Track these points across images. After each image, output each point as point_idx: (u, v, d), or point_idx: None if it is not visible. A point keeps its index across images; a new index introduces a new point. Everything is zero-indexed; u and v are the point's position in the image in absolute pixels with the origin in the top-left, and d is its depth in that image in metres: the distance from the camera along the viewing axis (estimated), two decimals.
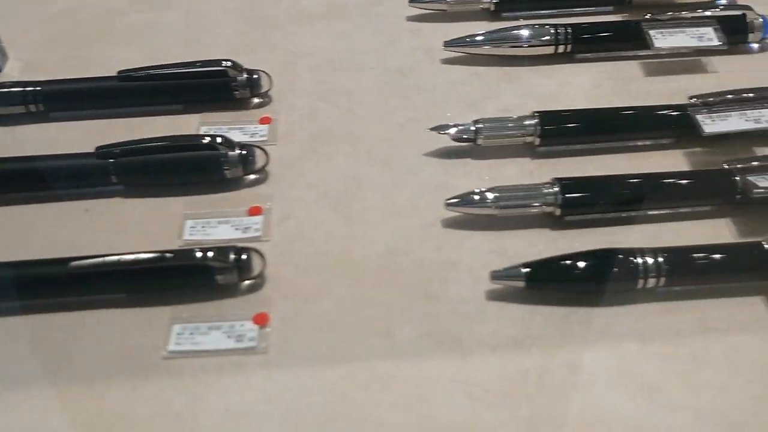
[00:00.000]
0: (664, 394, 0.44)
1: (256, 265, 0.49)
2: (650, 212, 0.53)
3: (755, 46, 0.66)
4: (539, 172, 0.56)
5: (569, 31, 0.64)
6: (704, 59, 0.65)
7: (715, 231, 0.52)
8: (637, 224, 0.53)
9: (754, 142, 0.57)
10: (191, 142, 0.55)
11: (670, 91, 0.62)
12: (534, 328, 0.47)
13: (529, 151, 0.58)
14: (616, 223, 0.53)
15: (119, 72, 0.62)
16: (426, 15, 0.71)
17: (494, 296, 0.49)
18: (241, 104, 0.63)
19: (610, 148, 0.58)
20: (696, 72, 0.64)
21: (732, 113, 0.56)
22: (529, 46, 0.64)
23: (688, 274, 0.48)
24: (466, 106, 0.62)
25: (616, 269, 0.47)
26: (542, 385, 0.45)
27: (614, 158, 0.57)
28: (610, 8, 0.71)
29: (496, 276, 0.48)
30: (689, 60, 0.65)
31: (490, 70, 0.65)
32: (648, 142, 0.58)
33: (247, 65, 0.63)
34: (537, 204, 0.52)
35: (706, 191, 0.52)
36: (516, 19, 0.69)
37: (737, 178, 0.52)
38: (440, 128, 0.57)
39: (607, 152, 0.58)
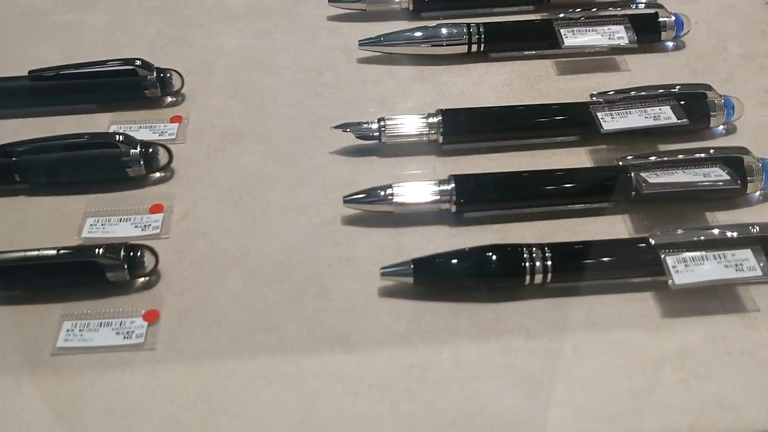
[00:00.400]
0: (545, 389, 0.44)
1: (149, 263, 0.49)
2: (547, 209, 0.53)
3: (670, 44, 0.67)
4: (444, 169, 0.56)
5: (482, 30, 0.64)
6: (618, 58, 0.66)
7: (612, 228, 0.53)
8: (535, 221, 0.53)
9: (658, 139, 0.58)
10: (92, 140, 0.55)
11: (581, 89, 0.62)
12: (423, 323, 0.48)
13: (434, 149, 0.58)
14: (514, 220, 0.53)
15: (30, 72, 0.61)
16: (347, 15, 0.71)
17: (386, 292, 0.49)
18: (154, 103, 0.63)
19: (516, 145, 0.58)
20: (608, 70, 0.65)
21: (632, 110, 0.56)
22: (442, 45, 0.64)
23: (574, 270, 0.48)
24: (377, 104, 0.62)
25: (503, 265, 0.48)
26: (425, 381, 0.45)
27: (519, 156, 0.58)
28: (531, 8, 0.71)
29: (385, 272, 0.48)
30: (603, 59, 0.66)
31: (405, 69, 0.65)
32: (553, 140, 0.58)
33: (164, 64, 0.63)
34: (433, 201, 0.52)
35: (601, 188, 0.53)
36: (436, 18, 0.69)
37: (631, 174, 0.52)
38: (344, 126, 0.57)
39: (512, 150, 0.58)
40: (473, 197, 0.52)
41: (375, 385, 0.45)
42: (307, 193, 0.56)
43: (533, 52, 0.66)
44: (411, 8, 0.70)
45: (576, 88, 0.63)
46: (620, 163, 0.53)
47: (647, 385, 0.44)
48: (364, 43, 0.65)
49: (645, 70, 0.65)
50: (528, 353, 0.46)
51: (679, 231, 0.48)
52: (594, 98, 0.57)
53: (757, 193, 0.54)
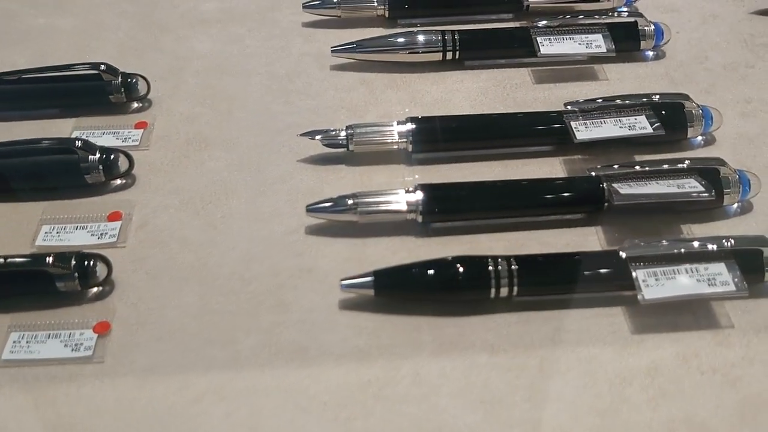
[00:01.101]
0: (507, 408, 0.42)
1: (101, 272, 0.48)
2: (517, 220, 0.52)
3: (650, 54, 0.65)
4: (414, 179, 0.54)
5: (457, 37, 0.63)
6: (596, 67, 0.64)
7: (583, 240, 0.51)
8: (504, 232, 0.51)
9: (635, 149, 0.56)
10: (50, 145, 0.54)
11: (557, 98, 0.61)
12: (383, 338, 0.46)
13: (405, 157, 0.57)
14: (483, 231, 0.51)
15: None
16: (321, 21, 0.70)
17: (347, 305, 0.47)
18: (119, 108, 0.61)
19: (489, 155, 0.57)
20: (586, 80, 0.63)
21: (607, 120, 0.55)
22: (416, 53, 0.63)
23: (541, 283, 0.46)
24: (348, 112, 0.61)
25: (467, 277, 0.46)
26: (382, 398, 0.43)
27: (491, 165, 0.56)
28: (510, 15, 0.69)
29: (345, 284, 0.46)
30: (581, 68, 0.64)
31: (378, 76, 0.64)
32: (526, 150, 0.57)
33: (133, 69, 0.62)
34: (399, 210, 0.50)
35: (572, 199, 0.51)
36: (413, 26, 0.68)
37: (603, 185, 0.50)
38: (311, 134, 0.56)
39: (485, 159, 0.57)
40: (440, 207, 0.50)
41: (329, 402, 0.43)
42: (271, 202, 0.54)
43: (510, 60, 0.64)
44: (387, 15, 0.69)
45: (552, 98, 0.61)
46: (592, 174, 0.51)
47: (613, 404, 0.42)
48: (336, 50, 0.64)
49: (623, 79, 0.63)
50: (491, 370, 0.44)
51: (651, 244, 0.46)
52: (568, 107, 0.56)
53: (735, 205, 0.52)
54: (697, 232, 0.51)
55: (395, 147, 0.56)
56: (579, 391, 0.43)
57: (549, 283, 0.46)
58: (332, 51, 0.64)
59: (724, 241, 0.46)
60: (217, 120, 0.60)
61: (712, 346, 0.45)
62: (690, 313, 0.46)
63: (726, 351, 0.45)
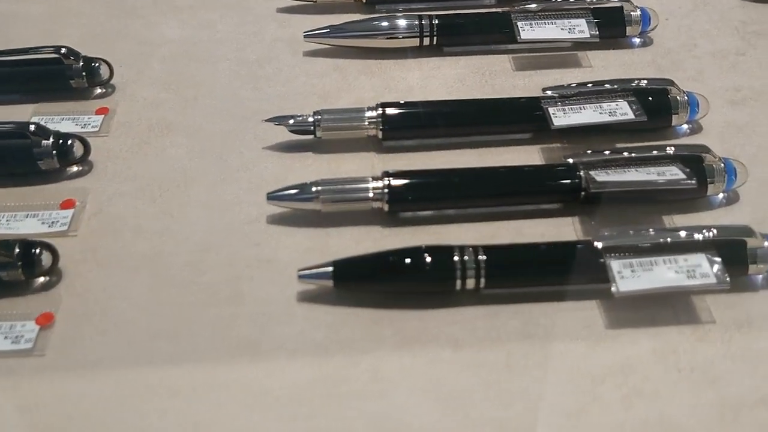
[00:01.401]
0: (470, 406, 0.40)
1: (46, 261, 0.45)
2: (489, 209, 0.49)
3: (637, 40, 0.62)
4: (384, 167, 0.51)
5: (435, 22, 0.60)
6: (580, 54, 0.61)
7: (559, 230, 0.48)
8: (476, 222, 0.49)
9: (617, 137, 0.53)
10: (1, 130, 0.51)
11: (537, 86, 0.58)
12: (342, 331, 0.43)
13: (375, 145, 0.54)
14: (453, 221, 0.49)
15: None
16: (297, 6, 0.67)
17: (305, 297, 0.45)
18: (81, 94, 0.59)
19: (463, 143, 0.54)
20: (569, 66, 0.60)
21: (587, 106, 0.52)
22: (392, 38, 0.60)
23: (510, 274, 0.44)
24: (318, 99, 0.58)
25: (431, 268, 0.43)
26: (338, 395, 0.40)
27: (465, 154, 0.53)
28: (493, 1, 0.67)
29: (303, 275, 0.44)
30: (564, 54, 0.61)
31: (353, 63, 0.61)
32: (503, 138, 0.54)
33: (99, 55, 0.59)
34: (364, 198, 0.48)
35: (548, 187, 0.48)
36: (392, 11, 0.65)
37: (580, 173, 0.47)
38: (276, 119, 0.53)
39: (460, 147, 0.54)
40: (407, 196, 0.48)
41: (282, 398, 0.40)
42: (233, 190, 0.51)
43: (490, 46, 0.62)
44: (364, 0, 0.66)
45: (532, 85, 0.58)
46: (569, 161, 0.48)
47: (583, 403, 0.40)
48: (309, 35, 0.61)
49: (608, 66, 0.60)
50: (454, 365, 0.41)
51: (627, 233, 0.43)
52: (547, 93, 0.53)
53: (720, 195, 0.49)
54: (680, 222, 0.48)
55: (365, 134, 0.53)
56: (547, 389, 0.40)
57: (518, 274, 0.44)
58: (305, 36, 0.61)
59: (705, 231, 0.43)
60: (181, 106, 0.58)
61: (692, 342, 0.42)
62: (669, 307, 0.44)
63: (706, 347, 0.42)
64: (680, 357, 0.41)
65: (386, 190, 0.47)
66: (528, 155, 0.53)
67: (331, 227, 0.49)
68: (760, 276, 0.45)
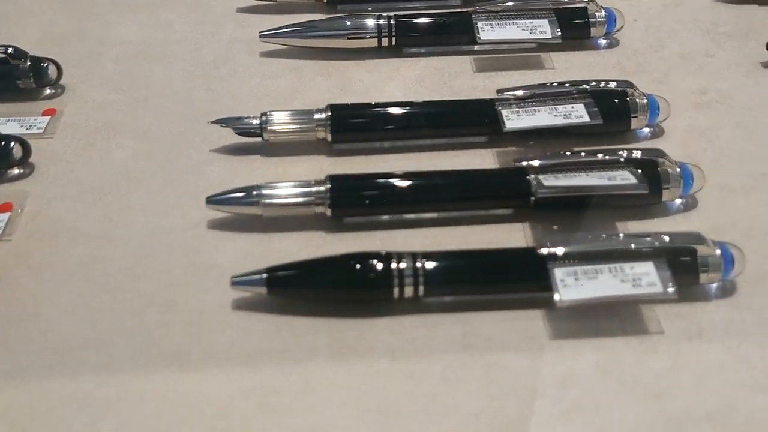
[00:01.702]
0: (402, 419, 0.38)
1: None
2: (437, 215, 0.47)
3: (602, 41, 0.61)
4: (333, 171, 0.50)
5: (393, 23, 0.59)
6: (543, 55, 0.60)
7: (509, 237, 0.46)
8: (424, 228, 0.47)
9: (575, 141, 0.51)
10: None
11: (497, 87, 0.55)
12: (276, 341, 0.42)
13: (325, 148, 0.52)
14: (400, 227, 0.47)
15: None
16: (257, 6, 0.66)
17: (241, 305, 0.43)
18: (30, 95, 0.57)
19: (417, 146, 0.52)
20: (531, 68, 0.59)
21: (541, 108, 0.50)
22: (349, 38, 0.59)
23: (451, 282, 0.42)
24: (272, 100, 0.57)
25: (366, 276, 0.41)
26: (265, 408, 0.39)
27: (418, 157, 0.52)
28: (458, 2, 0.65)
29: (236, 281, 0.42)
30: (527, 56, 0.60)
31: (310, 63, 0.60)
32: (458, 141, 0.52)
33: (53, 55, 0.58)
34: (306, 203, 0.46)
35: (496, 192, 0.47)
36: (357, 11, 0.64)
37: (530, 177, 0.46)
38: (222, 121, 0.52)
39: (414, 150, 0.52)
40: (350, 200, 0.46)
41: (206, 411, 0.39)
42: (176, 194, 0.50)
43: (452, 48, 0.60)
44: (326, 0, 0.64)
45: (492, 87, 0.56)
46: (518, 165, 0.47)
47: (519, 418, 0.38)
48: (265, 35, 0.60)
49: (571, 68, 0.59)
50: (389, 377, 0.40)
51: (572, 240, 0.41)
52: (501, 95, 0.51)
53: (678, 201, 0.48)
54: (634, 229, 0.46)
55: (315, 137, 0.52)
56: (482, 403, 0.39)
57: (458, 282, 0.42)
58: (261, 36, 0.60)
59: (654, 238, 0.42)
60: (131, 107, 0.56)
61: (637, 354, 0.40)
62: (616, 318, 0.42)
63: (652, 360, 0.40)
64: (624, 370, 0.40)
65: (328, 195, 0.46)
66: (482, 159, 0.52)
67: (274, 232, 0.47)
68: (714, 285, 0.43)
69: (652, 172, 0.46)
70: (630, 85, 0.52)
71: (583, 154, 0.47)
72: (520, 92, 0.51)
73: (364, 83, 0.58)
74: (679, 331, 0.41)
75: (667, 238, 0.42)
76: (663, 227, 0.46)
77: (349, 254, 0.42)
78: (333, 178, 0.46)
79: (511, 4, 0.58)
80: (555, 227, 0.47)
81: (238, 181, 0.49)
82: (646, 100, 0.51)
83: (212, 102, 0.57)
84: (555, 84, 0.52)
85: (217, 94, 0.57)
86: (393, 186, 0.47)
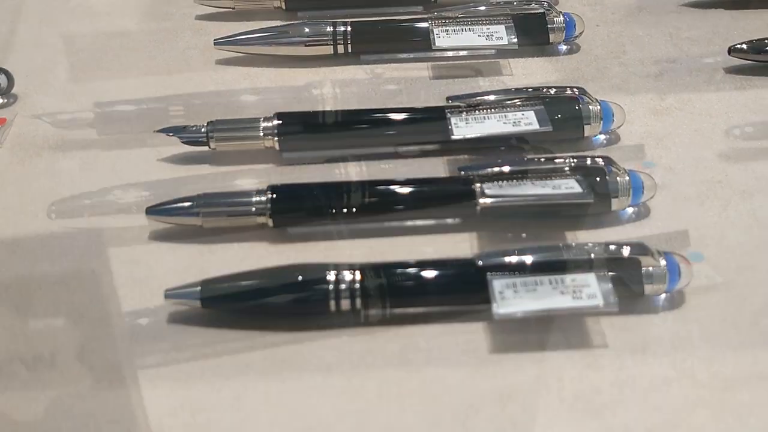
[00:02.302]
0: None
1: None
2: (382, 225, 0.46)
3: (564, 47, 0.60)
4: (283, 180, 0.49)
5: (349, 29, 0.58)
6: (503, 62, 0.59)
7: (455, 247, 0.45)
8: (369, 238, 0.46)
9: (529, 148, 0.50)
10: None
11: (452, 94, 0.55)
12: (209, 356, 0.41)
13: (275, 157, 0.51)
14: (345, 237, 0.46)
15: None
16: (216, 14, 0.65)
17: (176, 319, 0.42)
18: None
19: (367, 155, 0.51)
20: (489, 75, 0.58)
21: (491, 116, 0.49)
22: (304, 45, 0.58)
23: (386, 295, 0.41)
24: (224, 109, 0.56)
25: (302, 288, 0.40)
26: (190, 426, 0.38)
27: (369, 166, 0.51)
28: (419, 8, 0.64)
29: (169, 294, 0.41)
30: (485, 62, 0.59)
31: (265, 71, 0.59)
32: (410, 148, 0.51)
33: (10, 64, 0.58)
34: (246, 213, 0.45)
35: (441, 201, 0.46)
36: (317, 18, 0.63)
37: (475, 186, 0.45)
38: (167, 130, 0.51)
39: (364, 159, 0.51)
40: (291, 210, 0.45)
41: (132, 430, 0.38)
42: (119, 204, 0.49)
43: (411, 54, 0.59)
44: (285, 7, 0.63)
45: (448, 94, 0.55)
46: (463, 173, 0.46)
47: None
48: (219, 42, 0.59)
49: (529, 74, 0.58)
50: (323, 393, 0.39)
51: (510, 251, 0.40)
52: (451, 102, 0.50)
53: (630, 210, 0.47)
54: (584, 239, 0.45)
55: (262, 145, 0.51)
56: (415, 420, 0.38)
57: (395, 294, 0.41)
58: (215, 43, 0.59)
59: (597, 248, 0.41)
60: (82, 117, 0.55)
61: (580, 368, 0.39)
62: (560, 331, 0.41)
63: (594, 375, 0.39)
64: (565, 384, 0.39)
65: (269, 205, 0.45)
66: (434, 167, 0.50)
67: (216, 244, 0.46)
68: (662, 296, 0.42)
69: (601, 180, 0.45)
70: (583, 91, 0.51)
71: (531, 162, 0.46)
72: (469, 99, 0.49)
73: (319, 91, 0.57)
74: (623, 344, 0.40)
75: (613, 247, 0.41)
76: (614, 236, 0.45)
77: (284, 266, 0.41)
78: (274, 188, 0.45)
79: (467, 10, 0.57)
80: (507, 236, 0.46)
81: (184, 191, 0.48)
82: (599, 107, 0.50)
83: (164, 112, 0.56)
84: (506, 91, 0.50)
85: (169, 102, 0.56)
86: (336, 195, 0.45)
